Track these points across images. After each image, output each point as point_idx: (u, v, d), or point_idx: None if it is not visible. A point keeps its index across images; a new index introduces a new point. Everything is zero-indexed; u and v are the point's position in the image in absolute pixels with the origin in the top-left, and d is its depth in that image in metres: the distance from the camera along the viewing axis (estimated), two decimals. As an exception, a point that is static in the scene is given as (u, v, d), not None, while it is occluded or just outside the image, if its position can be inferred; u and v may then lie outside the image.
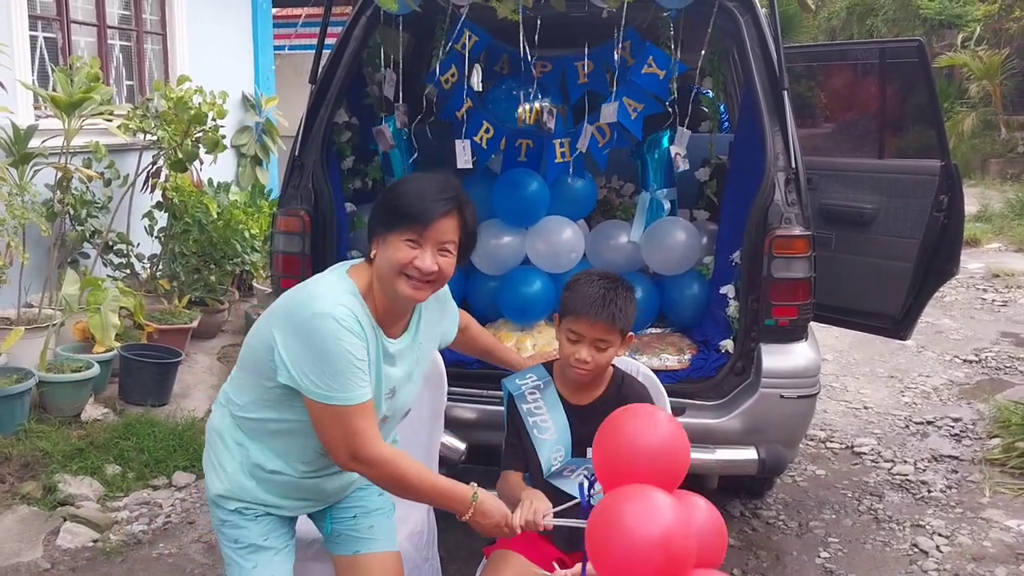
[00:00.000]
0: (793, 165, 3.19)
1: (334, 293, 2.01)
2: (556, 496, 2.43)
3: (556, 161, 3.47)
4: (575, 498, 2.41)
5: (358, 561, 2.27)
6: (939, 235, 3.94)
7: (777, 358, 3.11)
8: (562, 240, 3.51)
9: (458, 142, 3.39)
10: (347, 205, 3.62)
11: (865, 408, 5.20)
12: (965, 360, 6.13)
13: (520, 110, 3.49)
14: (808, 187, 4.17)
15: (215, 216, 5.62)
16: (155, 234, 5.74)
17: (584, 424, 2.46)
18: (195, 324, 5.35)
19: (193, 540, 3.56)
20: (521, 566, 2.33)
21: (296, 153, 3.41)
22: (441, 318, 2.35)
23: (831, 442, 4.70)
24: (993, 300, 7.81)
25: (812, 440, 4.71)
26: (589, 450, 2.45)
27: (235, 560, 2.16)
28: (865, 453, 4.54)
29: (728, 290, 3.33)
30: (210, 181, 6.52)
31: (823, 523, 3.82)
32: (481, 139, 3.45)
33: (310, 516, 2.35)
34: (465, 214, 2.07)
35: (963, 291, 8.09)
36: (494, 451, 2.67)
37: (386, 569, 2.28)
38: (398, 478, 2.05)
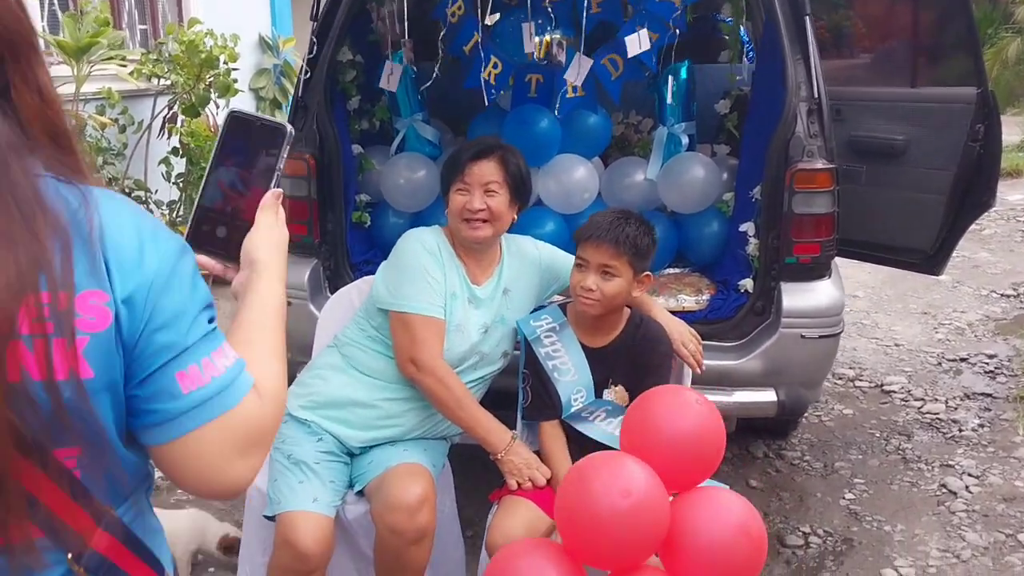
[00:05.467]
0: (816, 95, 3.04)
1: (423, 229, 2.54)
2: (574, 439, 2.38)
3: (567, 96, 3.34)
4: (593, 440, 2.36)
5: (388, 473, 2.31)
6: (974, 166, 3.77)
7: (798, 297, 3.00)
8: (574, 179, 3.40)
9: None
10: (354, 147, 3.53)
11: (896, 345, 5.07)
12: (1003, 295, 5.95)
13: (529, 43, 3.34)
14: (837, 118, 4.06)
15: (232, 161, 5.55)
16: (172, 180, 5.70)
17: (601, 367, 2.39)
18: (215, 270, 5.32)
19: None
20: (531, 512, 2.29)
21: (299, 94, 3.32)
22: (527, 272, 2.59)
23: (860, 381, 4.59)
24: (1034, 232, 7.57)
25: (840, 379, 4.61)
26: (606, 391, 2.40)
27: (284, 473, 2.29)
28: (895, 392, 4.43)
29: (748, 227, 3.20)
30: (228, 126, 6.43)
31: (849, 464, 3.74)
32: (489, 75, 3.32)
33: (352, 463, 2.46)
34: (506, 158, 2.43)
35: (1003, 223, 7.85)
36: (508, 396, 2.61)
37: (414, 472, 2.30)
38: (446, 391, 2.34)
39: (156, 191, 5.65)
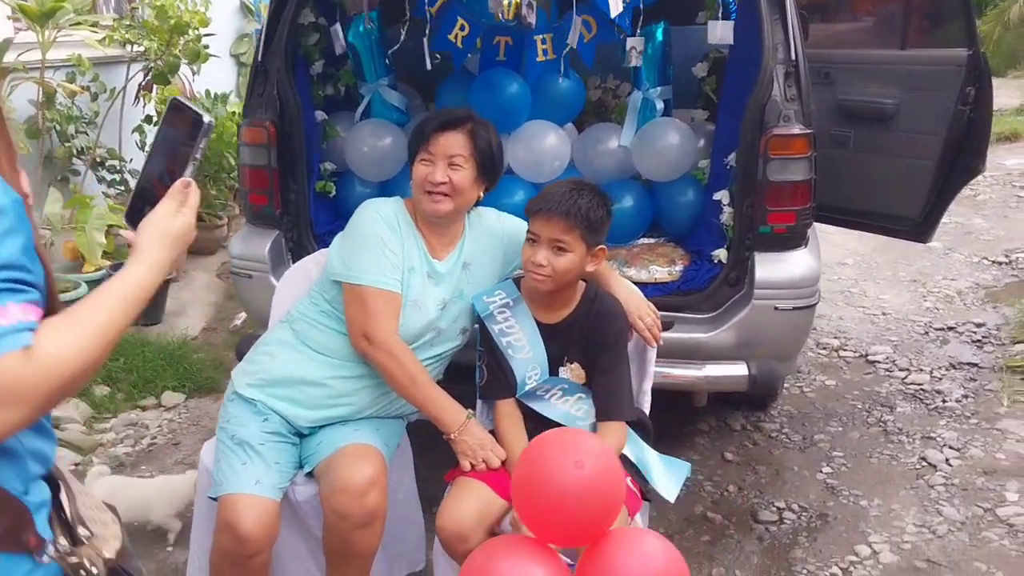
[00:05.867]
0: (794, 57, 2.92)
1: (382, 200, 2.44)
2: (532, 418, 2.31)
3: (538, 59, 3.22)
4: (551, 420, 2.28)
5: (337, 454, 2.25)
6: (964, 130, 3.68)
7: (772, 267, 2.91)
8: (545, 146, 3.29)
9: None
10: (317, 113, 3.42)
11: (884, 314, 4.98)
12: (994, 262, 5.84)
13: (494, 3, 3.21)
14: (825, 82, 3.95)
15: (207, 129, 5.42)
16: (146, 148, 5.58)
17: (555, 343, 2.31)
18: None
19: (176, 462, 3.50)
20: (484, 495, 2.21)
21: (258, 58, 3.20)
22: (490, 246, 2.48)
23: (844, 350, 4.51)
24: (1029, 197, 7.43)
25: (824, 349, 4.53)
26: (562, 369, 2.31)
27: (228, 454, 2.22)
28: (879, 362, 4.35)
29: (722, 196, 3.10)
30: (207, 92, 6.30)
31: (828, 436, 3.66)
32: (456, 37, 3.20)
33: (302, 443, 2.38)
34: (476, 132, 2.34)
35: (998, 188, 7.71)
36: (472, 371, 2.53)
37: (364, 453, 2.24)
38: (400, 367, 2.25)
39: (131, 160, 5.52)
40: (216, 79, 6.36)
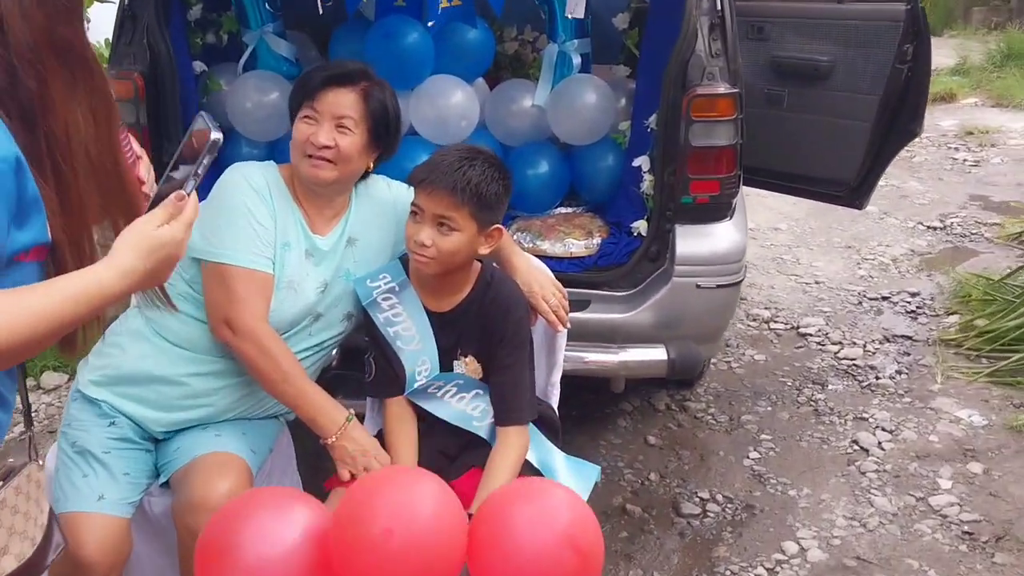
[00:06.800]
0: (719, 7, 2.64)
1: (251, 164, 2.08)
2: (428, 418, 2.02)
3: (441, 6, 2.87)
4: (446, 422, 2.00)
5: (194, 464, 1.94)
6: (901, 90, 3.44)
7: (693, 241, 2.66)
8: (451, 104, 2.96)
9: None
10: (196, 64, 3.04)
11: (816, 283, 4.79)
12: (929, 227, 5.69)
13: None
14: (759, 37, 3.68)
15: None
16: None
17: (447, 334, 2.01)
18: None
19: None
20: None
21: (126, 2, 2.82)
22: (379, 218, 2.16)
23: (775, 322, 4.30)
24: (965, 160, 7.30)
25: (755, 320, 4.32)
26: (456, 363, 2.02)
27: (68, 465, 1.93)
28: (811, 335, 4.16)
29: (642, 162, 2.82)
30: (105, 42, 5.80)
31: (757, 417, 3.45)
32: (348, -21, 2.84)
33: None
34: (370, 92, 2.02)
35: (933, 150, 7.58)
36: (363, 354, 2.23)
37: (223, 463, 1.94)
38: (268, 360, 1.94)
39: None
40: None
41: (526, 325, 2.01)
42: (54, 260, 1.24)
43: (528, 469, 1.97)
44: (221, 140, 1.25)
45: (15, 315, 1.06)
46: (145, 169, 1.48)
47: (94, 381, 2.03)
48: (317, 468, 2.16)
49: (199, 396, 2.04)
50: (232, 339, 1.96)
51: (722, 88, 2.61)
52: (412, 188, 1.93)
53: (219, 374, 2.05)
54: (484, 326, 1.99)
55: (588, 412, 3.40)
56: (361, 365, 2.17)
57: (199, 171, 1.23)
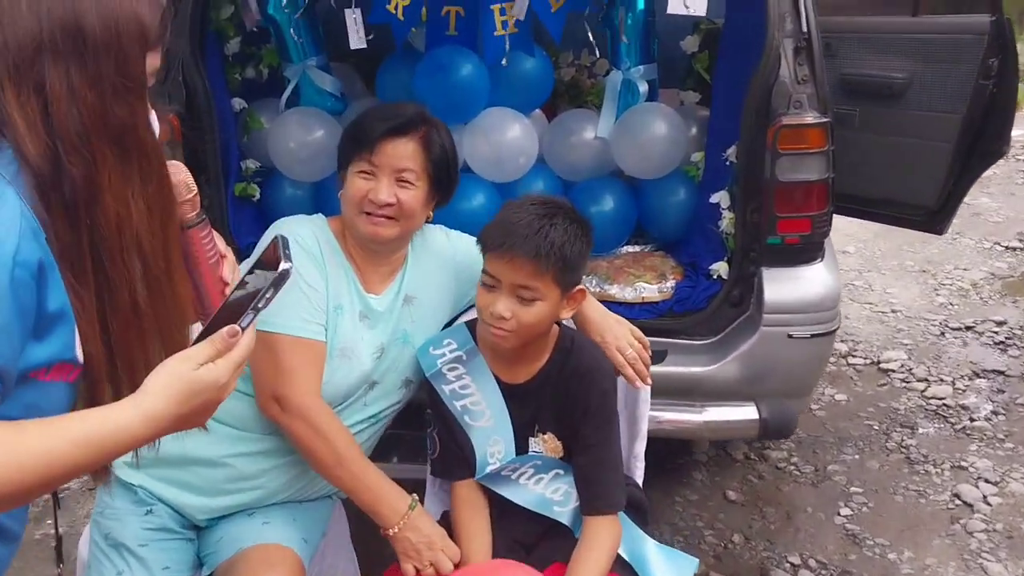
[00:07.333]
0: (805, 29, 2.40)
1: (300, 219, 1.90)
2: (498, 502, 1.79)
3: (495, 33, 2.66)
4: (524, 509, 1.77)
5: (239, 558, 1.74)
6: (986, 108, 3.22)
7: (783, 286, 2.40)
8: (507, 139, 2.74)
9: (348, 12, 2.60)
10: (235, 101, 2.86)
11: (893, 312, 4.49)
12: (1008, 247, 5.37)
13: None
14: (827, 54, 3.42)
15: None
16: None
17: (523, 409, 1.78)
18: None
19: (87, 515, 2.95)
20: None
21: (161, 38, 2.64)
22: (438, 273, 1.98)
23: (853, 356, 4.02)
24: (1036, 173, 6.94)
25: (832, 355, 4.01)
26: (532, 441, 1.79)
27: (100, 560, 1.74)
28: (894, 370, 3.87)
29: (720, 198, 2.58)
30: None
31: (844, 467, 3.18)
32: (396, 7, 2.63)
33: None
34: (430, 138, 1.83)
35: (1002, 163, 7.15)
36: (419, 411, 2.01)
37: (271, 558, 1.73)
38: (321, 441, 1.73)
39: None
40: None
41: (613, 397, 1.77)
42: (87, 385, 1.06)
43: (618, 563, 1.73)
44: (291, 272, 1.08)
45: (10, 457, 0.90)
46: (230, 269, 1.28)
47: (128, 463, 1.82)
48: (372, 537, 1.92)
49: (245, 479, 1.83)
50: (281, 417, 1.76)
51: (811, 117, 2.37)
52: (481, 250, 1.71)
53: (268, 454, 1.84)
54: (565, 399, 1.76)
55: (659, 462, 3.13)
56: (419, 421, 1.95)
57: (260, 305, 1.06)
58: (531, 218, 1.63)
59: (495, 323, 1.65)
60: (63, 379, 1.04)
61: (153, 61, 1.08)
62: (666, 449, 3.17)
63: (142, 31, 1.04)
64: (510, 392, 1.78)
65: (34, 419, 0.96)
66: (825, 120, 2.38)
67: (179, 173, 1.23)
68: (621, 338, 1.88)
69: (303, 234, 1.85)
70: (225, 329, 1.05)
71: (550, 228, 1.61)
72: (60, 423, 0.97)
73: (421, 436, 1.94)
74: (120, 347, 1.07)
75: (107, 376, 1.07)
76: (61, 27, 0.98)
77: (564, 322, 1.84)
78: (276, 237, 1.14)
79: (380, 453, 2.07)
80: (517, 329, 1.64)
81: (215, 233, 1.31)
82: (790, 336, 2.38)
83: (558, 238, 1.61)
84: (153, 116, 1.14)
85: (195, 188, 1.26)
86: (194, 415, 1.03)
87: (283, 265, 1.07)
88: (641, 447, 2.00)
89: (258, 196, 2.90)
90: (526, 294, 1.62)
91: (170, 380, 1.01)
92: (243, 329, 1.06)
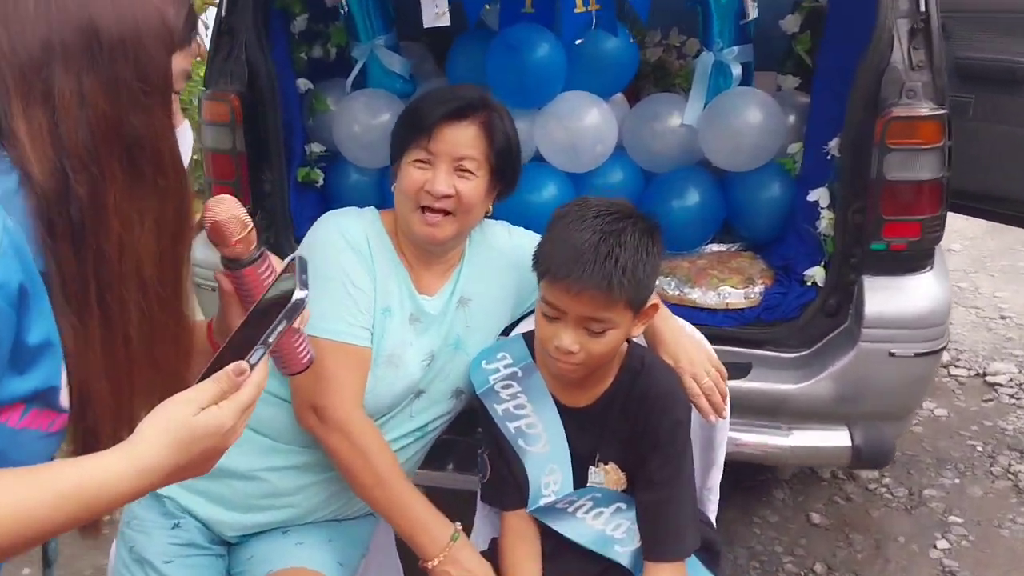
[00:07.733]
0: (923, 8, 2.14)
1: (349, 213, 1.75)
2: (551, 535, 1.61)
3: (575, 11, 2.45)
4: (580, 546, 1.59)
5: None
6: None
7: (887, 298, 2.16)
8: (584, 126, 2.53)
9: None
10: (300, 82, 2.72)
11: (1002, 318, 4.15)
12: None
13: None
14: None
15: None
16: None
17: (583, 435, 1.60)
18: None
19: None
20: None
21: (223, 15, 2.53)
22: (497, 273, 1.81)
23: (956, 367, 3.71)
24: None
25: (931, 364, 3.72)
26: (592, 470, 1.60)
27: (122, 574, 1.64)
28: (1001, 385, 3.56)
29: (820, 195, 2.34)
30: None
31: (942, 492, 2.91)
32: (469, -17, 2.46)
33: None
34: (493, 122, 1.67)
35: None
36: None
37: None
38: (360, 459, 1.59)
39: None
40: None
41: (686, 428, 1.57)
42: (76, 431, 0.94)
43: (683, 612, 1.53)
44: (305, 303, 0.97)
45: None
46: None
47: None
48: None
49: (279, 495, 1.69)
50: (319, 429, 1.62)
51: (925, 109, 2.12)
52: (537, 275, 1.52)
53: (305, 469, 1.70)
54: (632, 426, 1.56)
55: (738, 478, 2.92)
56: (474, 425, 1.78)
57: (271, 339, 0.96)
58: (596, 238, 1.41)
59: (562, 357, 1.46)
60: (40, 428, 0.91)
61: (181, 63, 0.96)
62: (746, 465, 2.95)
63: (166, 30, 0.93)
64: (570, 416, 1.59)
65: (10, 469, 0.84)
66: (942, 112, 2.13)
67: (231, 208, 1.11)
68: (697, 364, 1.66)
69: (351, 229, 1.69)
70: (231, 367, 0.93)
71: (617, 247, 1.40)
72: (37, 473, 0.86)
73: (479, 441, 1.78)
74: (112, 386, 0.95)
75: (109, 418, 0.96)
76: (73, 28, 0.88)
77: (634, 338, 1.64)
78: (294, 259, 1.03)
79: (434, 460, 1.93)
80: (586, 361, 1.45)
81: (271, 257, 1.19)
82: (891, 354, 2.14)
83: (629, 259, 1.40)
84: (186, 126, 1.03)
85: (250, 223, 1.13)
86: (194, 465, 0.92)
87: (297, 294, 0.97)
88: (716, 478, 1.79)
89: (321, 182, 2.77)
90: (596, 327, 1.43)
91: (168, 425, 0.90)
92: (252, 366, 0.94)
